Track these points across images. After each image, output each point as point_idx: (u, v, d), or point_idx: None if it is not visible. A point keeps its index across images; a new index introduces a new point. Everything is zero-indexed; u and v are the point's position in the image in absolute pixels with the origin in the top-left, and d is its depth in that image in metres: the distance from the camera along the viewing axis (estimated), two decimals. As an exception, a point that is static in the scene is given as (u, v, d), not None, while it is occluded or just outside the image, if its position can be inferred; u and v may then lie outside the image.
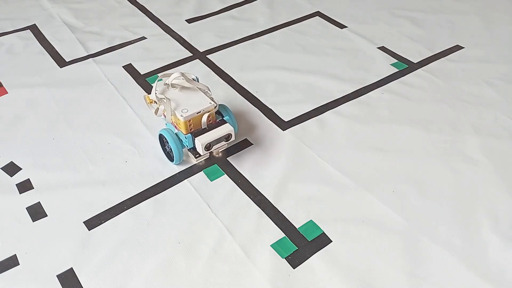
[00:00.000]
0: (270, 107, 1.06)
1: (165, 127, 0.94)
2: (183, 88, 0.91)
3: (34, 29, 1.36)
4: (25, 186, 0.89)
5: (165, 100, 0.87)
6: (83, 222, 0.82)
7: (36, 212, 0.84)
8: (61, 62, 1.23)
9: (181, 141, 0.89)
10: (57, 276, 0.74)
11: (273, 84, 1.13)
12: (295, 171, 0.90)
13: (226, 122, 0.89)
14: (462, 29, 1.31)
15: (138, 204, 0.85)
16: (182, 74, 0.91)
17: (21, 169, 0.92)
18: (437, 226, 0.80)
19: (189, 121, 0.86)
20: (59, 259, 0.76)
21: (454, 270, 0.73)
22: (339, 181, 0.88)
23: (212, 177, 0.89)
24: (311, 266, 0.74)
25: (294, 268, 0.74)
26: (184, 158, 0.92)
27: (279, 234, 0.79)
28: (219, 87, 1.12)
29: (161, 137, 0.92)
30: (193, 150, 0.90)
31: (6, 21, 1.40)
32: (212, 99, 0.89)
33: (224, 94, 1.10)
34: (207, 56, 1.23)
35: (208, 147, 0.86)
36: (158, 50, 1.26)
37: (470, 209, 0.83)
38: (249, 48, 1.26)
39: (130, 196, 0.86)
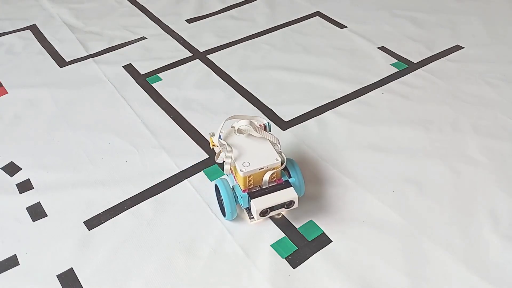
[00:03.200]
0: (270, 107, 1.06)
1: (223, 175, 0.86)
2: (251, 135, 0.81)
3: (34, 29, 1.36)
4: (25, 186, 0.89)
5: (227, 147, 0.78)
6: (83, 222, 0.82)
7: (36, 212, 0.84)
8: (61, 62, 1.23)
9: (236, 196, 0.78)
10: (57, 276, 0.74)
11: (273, 84, 1.13)
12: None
13: (291, 185, 0.77)
14: (462, 29, 1.31)
15: (138, 204, 0.85)
16: (251, 123, 0.80)
17: (21, 169, 0.92)
18: (437, 226, 0.80)
19: (249, 176, 0.76)
20: (59, 259, 0.76)
21: (454, 270, 0.73)
22: (339, 181, 0.88)
23: (212, 177, 0.89)
24: (311, 266, 0.74)
25: (294, 268, 0.74)
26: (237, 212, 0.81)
27: (279, 234, 0.79)
28: (219, 87, 1.12)
29: (216, 188, 0.81)
30: (248, 210, 0.79)
31: (6, 21, 1.40)
32: (280, 153, 0.78)
33: (224, 94, 1.10)
34: (207, 56, 1.23)
35: (264, 213, 0.75)
36: (158, 50, 1.26)
37: (470, 209, 0.83)
38: (249, 48, 1.26)
39: (130, 196, 0.86)
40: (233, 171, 0.79)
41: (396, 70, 1.16)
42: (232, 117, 0.82)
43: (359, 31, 1.31)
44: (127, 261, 0.76)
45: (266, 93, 1.10)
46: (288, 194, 0.76)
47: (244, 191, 0.76)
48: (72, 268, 0.75)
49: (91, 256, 0.76)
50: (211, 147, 0.84)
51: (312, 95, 1.09)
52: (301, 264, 0.75)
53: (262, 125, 0.82)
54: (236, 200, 0.78)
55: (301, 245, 0.77)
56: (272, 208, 0.75)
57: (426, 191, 0.86)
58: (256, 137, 0.80)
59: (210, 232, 0.79)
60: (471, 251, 0.76)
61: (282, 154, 0.78)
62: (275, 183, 0.77)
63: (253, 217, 0.78)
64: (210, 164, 0.92)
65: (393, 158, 0.93)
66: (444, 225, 0.80)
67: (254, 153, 0.77)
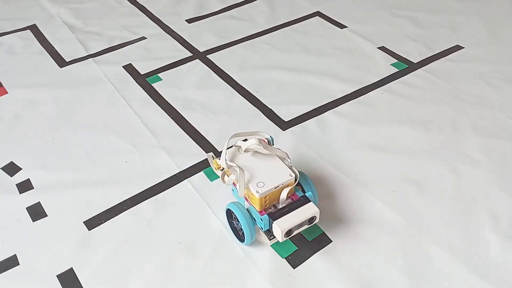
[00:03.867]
0: (270, 107, 1.06)
1: (233, 198, 0.81)
2: (257, 153, 0.77)
3: (34, 29, 1.36)
4: (25, 186, 0.89)
5: (237, 170, 0.74)
6: (83, 222, 0.82)
7: (36, 212, 0.84)
8: (61, 62, 1.23)
9: (253, 218, 0.75)
10: (57, 276, 0.74)
11: (273, 84, 1.13)
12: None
13: (309, 200, 0.74)
14: (462, 29, 1.31)
15: (138, 204, 0.85)
16: (260, 141, 0.76)
17: (21, 169, 0.92)
18: (437, 226, 0.80)
19: (266, 197, 0.72)
20: (59, 259, 0.76)
21: (454, 270, 0.73)
22: (339, 181, 0.88)
23: (212, 177, 0.89)
24: (311, 266, 0.74)
25: (294, 268, 0.74)
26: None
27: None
28: (219, 87, 1.12)
29: (229, 212, 0.77)
30: (268, 232, 0.75)
31: (6, 21, 1.40)
32: (291, 168, 0.75)
33: (224, 94, 1.10)
34: (207, 56, 1.23)
35: (289, 233, 0.71)
36: (158, 50, 1.26)
37: (470, 209, 0.83)
38: (249, 48, 1.26)
39: (130, 196, 0.86)
40: (246, 194, 0.75)
41: (396, 70, 1.16)
42: (234, 136, 0.79)
43: (359, 31, 1.31)
44: (127, 261, 0.76)
45: (266, 93, 1.10)
46: (310, 209, 0.72)
47: (260, 212, 0.73)
48: (72, 268, 0.75)
49: (91, 256, 0.76)
50: (215, 169, 0.81)
51: (312, 95, 1.09)
52: (301, 264, 0.75)
53: (265, 140, 0.79)
54: (253, 223, 0.75)
55: (301, 245, 0.77)
56: (296, 228, 0.72)
57: (426, 191, 0.86)
58: (263, 153, 0.77)
59: (210, 232, 0.79)
60: (471, 251, 0.76)
61: (293, 168, 0.75)
62: (291, 200, 0.74)
63: (273, 237, 0.75)
64: (210, 164, 0.92)
65: (393, 158, 0.93)
66: (444, 225, 0.80)
67: (266, 172, 0.74)
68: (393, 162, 0.92)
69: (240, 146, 0.78)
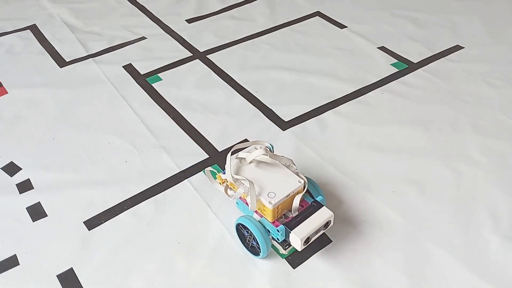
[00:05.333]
0: (270, 107, 1.06)
1: (239, 210, 0.80)
2: (261, 162, 0.76)
3: (34, 29, 1.36)
4: (25, 186, 0.89)
5: (245, 183, 0.72)
6: (83, 222, 0.82)
7: (36, 212, 0.84)
8: (61, 62, 1.23)
9: (267, 230, 0.72)
10: (57, 276, 0.74)
11: (273, 84, 1.13)
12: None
13: (322, 205, 0.72)
14: (462, 29, 1.31)
15: (138, 204, 0.85)
16: (266, 150, 0.75)
17: (21, 169, 0.92)
18: (437, 226, 0.80)
19: (278, 207, 0.71)
20: (59, 259, 0.76)
21: (454, 270, 0.73)
22: (339, 181, 0.88)
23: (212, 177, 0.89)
24: (311, 266, 0.74)
25: (294, 268, 0.74)
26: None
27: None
28: (219, 87, 1.12)
29: (240, 227, 0.75)
30: (283, 242, 0.73)
31: (6, 21, 1.40)
32: (298, 174, 0.74)
33: (224, 94, 1.10)
34: (207, 56, 1.23)
35: (307, 241, 0.70)
36: (158, 50, 1.26)
37: (470, 209, 0.83)
38: (249, 48, 1.26)
39: (130, 196, 0.86)
40: (258, 206, 0.73)
41: (396, 70, 1.16)
42: (235, 149, 0.78)
43: (359, 31, 1.31)
44: (127, 261, 0.76)
45: (266, 93, 1.10)
46: (324, 214, 0.71)
47: (273, 223, 0.71)
48: (72, 268, 0.75)
49: (91, 256, 0.76)
50: (211, 182, 0.80)
51: (312, 95, 1.09)
52: (301, 264, 0.75)
53: (266, 148, 0.77)
54: (268, 234, 0.73)
55: (301, 245, 0.77)
56: (313, 235, 0.71)
57: (426, 191, 0.86)
58: (267, 163, 0.75)
59: (210, 232, 0.79)
60: (471, 251, 0.76)
61: (300, 174, 0.74)
62: (301, 207, 0.73)
63: (288, 247, 0.73)
64: (210, 164, 0.92)
65: (393, 158, 0.93)
66: (444, 225, 0.80)
67: (274, 181, 0.72)
68: (393, 162, 0.92)
69: (244, 158, 0.76)
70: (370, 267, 0.74)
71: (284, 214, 0.73)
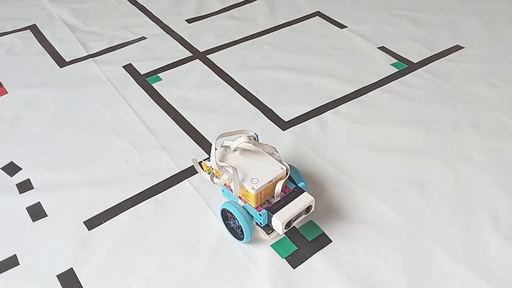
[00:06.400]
0: (270, 107, 1.06)
1: (223, 196, 0.82)
2: (245, 150, 0.78)
3: (34, 29, 1.36)
4: (25, 186, 0.89)
5: (229, 170, 0.74)
6: (83, 222, 0.82)
7: (36, 212, 0.84)
8: (61, 62, 1.23)
9: (250, 215, 0.75)
10: (57, 276, 0.74)
11: (273, 84, 1.13)
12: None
13: (303, 190, 0.75)
14: (462, 29, 1.31)
15: (138, 204, 0.85)
16: (250, 138, 0.77)
17: (21, 169, 0.92)
18: (437, 226, 0.80)
19: (261, 192, 0.73)
20: (59, 259, 0.76)
21: (454, 270, 0.73)
22: (339, 181, 0.88)
23: (212, 177, 0.89)
24: (311, 266, 0.74)
25: (294, 268, 0.74)
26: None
27: (279, 234, 0.79)
28: (219, 87, 1.12)
29: (224, 212, 0.77)
30: (266, 226, 0.77)
31: (6, 21, 1.40)
32: (280, 161, 0.77)
33: (224, 94, 1.10)
34: (207, 56, 1.23)
35: (288, 224, 0.73)
36: (158, 50, 1.26)
37: (470, 209, 0.83)
38: (249, 48, 1.26)
39: (130, 196, 0.86)
40: (241, 192, 0.75)
41: (396, 70, 1.16)
42: (220, 136, 0.80)
43: (359, 31, 1.31)
44: (127, 261, 0.76)
45: (266, 93, 1.10)
46: (305, 199, 0.74)
47: (257, 208, 0.74)
48: (72, 268, 0.75)
49: (91, 256, 0.76)
50: (199, 170, 0.81)
51: (312, 95, 1.09)
52: (301, 264, 0.75)
53: (251, 137, 0.80)
54: (251, 219, 0.75)
55: (301, 245, 0.77)
56: (294, 218, 0.73)
57: (426, 191, 0.86)
58: (251, 151, 0.78)
59: (210, 232, 0.79)
60: (471, 251, 0.76)
61: (283, 161, 0.77)
62: (284, 193, 0.76)
63: (271, 232, 0.76)
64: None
65: (393, 158, 0.93)
66: (444, 225, 0.80)
67: (257, 168, 0.75)
68: (393, 162, 0.92)
69: (229, 146, 0.78)
70: (370, 267, 0.74)
71: (267, 200, 0.75)
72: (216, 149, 0.78)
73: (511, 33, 1.30)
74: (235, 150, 0.78)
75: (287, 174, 0.76)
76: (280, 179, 0.75)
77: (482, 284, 0.71)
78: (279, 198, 0.75)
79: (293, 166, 0.80)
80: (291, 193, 0.75)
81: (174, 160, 0.93)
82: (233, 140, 0.79)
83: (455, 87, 1.11)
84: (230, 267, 0.74)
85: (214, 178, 0.79)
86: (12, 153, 0.96)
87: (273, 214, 0.72)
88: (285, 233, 0.78)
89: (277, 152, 0.78)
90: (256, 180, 0.73)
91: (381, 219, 0.81)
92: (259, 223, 0.75)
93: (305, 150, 0.95)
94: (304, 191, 0.75)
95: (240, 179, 0.74)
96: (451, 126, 1.00)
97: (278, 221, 0.71)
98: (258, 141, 0.80)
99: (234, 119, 1.03)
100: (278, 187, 0.74)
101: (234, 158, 0.77)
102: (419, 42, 1.26)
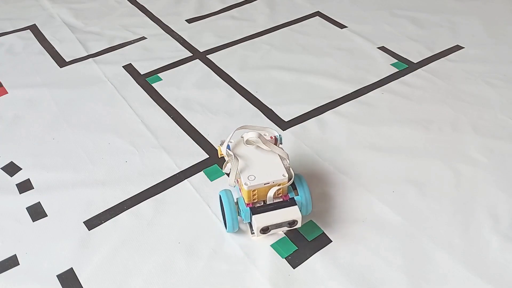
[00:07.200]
0: (270, 107, 1.06)
1: (228, 187, 0.81)
2: (259, 147, 0.78)
3: (34, 29, 1.36)
4: (25, 186, 0.89)
5: (231, 159, 0.75)
6: (83, 222, 0.82)
7: (36, 212, 0.84)
8: (61, 62, 1.23)
9: (240, 209, 0.76)
10: (57, 276, 0.74)
11: (273, 84, 1.13)
12: (294, 171, 0.90)
13: (295, 203, 0.74)
14: (462, 29, 1.31)
15: (138, 204, 0.85)
16: (260, 135, 0.77)
17: (21, 169, 0.92)
18: (437, 226, 0.80)
19: (254, 191, 0.73)
20: (59, 259, 0.76)
21: (454, 270, 0.73)
22: (339, 181, 0.88)
23: (212, 177, 0.89)
24: (311, 266, 0.74)
25: (294, 268, 0.74)
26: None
27: (279, 234, 0.79)
28: (219, 87, 1.12)
29: (220, 199, 0.79)
30: (250, 225, 0.77)
31: (6, 21, 1.40)
32: (288, 169, 0.75)
33: (224, 94, 1.10)
34: (207, 56, 1.23)
35: (265, 230, 0.73)
36: (158, 50, 1.26)
37: (470, 209, 0.83)
38: (249, 48, 1.26)
39: (130, 196, 0.86)
40: (239, 184, 0.76)
41: (396, 70, 1.16)
42: (242, 127, 0.80)
43: (359, 31, 1.31)
44: (127, 261, 0.76)
45: (266, 93, 1.10)
46: (292, 213, 0.73)
47: (247, 205, 0.74)
48: (72, 268, 0.75)
49: (91, 256, 0.76)
50: (219, 157, 0.82)
51: (312, 95, 1.09)
52: (301, 264, 0.75)
53: (273, 137, 0.79)
54: (239, 213, 0.76)
55: (301, 245, 0.77)
56: (273, 227, 0.73)
57: (426, 191, 0.86)
58: (265, 150, 0.77)
59: (210, 232, 0.79)
60: (471, 251, 0.76)
61: (291, 169, 0.75)
62: (281, 200, 0.75)
63: (254, 233, 0.75)
64: (210, 164, 0.92)
65: (393, 158, 0.93)
66: (444, 225, 0.80)
67: (261, 167, 0.75)
68: (393, 162, 0.92)
69: (244, 138, 0.79)
70: (370, 267, 0.74)
71: (264, 201, 0.75)
72: (231, 142, 0.79)
73: (511, 33, 1.30)
74: (249, 143, 0.78)
75: (289, 183, 0.74)
76: (278, 185, 0.73)
77: (482, 284, 0.71)
78: (271, 202, 0.74)
79: (302, 178, 0.78)
80: (284, 202, 0.74)
81: (174, 160, 0.93)
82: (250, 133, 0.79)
83: (455, 87, 1.10)
84: (230, 267, 0.74)
85: (228, 165, 0.79)
86: (12, 153, 0.96)
87: (253, 215, 0.73)
88: (285, 234, 0.78)
89: (288, 159, 0.77)
90: (253, 177, 0.73)
91: (381, 219, 0.81)
92: (242, 219, 0.75)
93: (305, 150, 0.95)
94: (295, 205, 0.73)
95: (239, 171, 0.74)
96: (451, 126, 1.00)
97: (255, 223, 0.72)
98: (281, 143, 0.80)
99: (234, 119, 1.03)
100: (271, 192, 0.73)
101: (246, 151, 0.77)
102: (419, 42, 1.26)
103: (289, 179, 0.74)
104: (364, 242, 0.77)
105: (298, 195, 0.77)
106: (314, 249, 0.77)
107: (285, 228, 0.74)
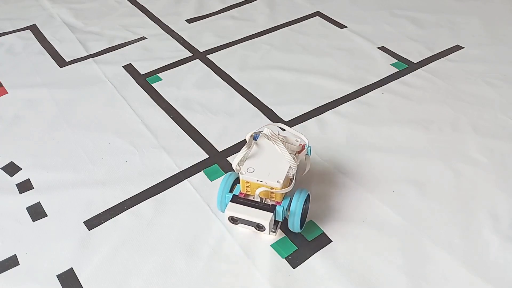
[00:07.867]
0: (270, 107, 1.06)
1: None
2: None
3: (34, 29, 1.36)
4: (25, 186, 0.89)
5: (247, 146, 0.77)
6: (83, 222, 0.82)
7: (36, 212, 0.84)
8: (61, 62, 1.23)
9: (230, 192, 0.77)
10: (57, 276, 0.74)
11: (273, 84, 1.13)
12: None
13: (272, 211, 0.73)
14: (462, 29, 1.31)
15: (138, 204, 0.85)
16: (271, 134, 0.77)
17: (21, 169, 0.92)
18: (437, 226, 0.80)
19: (248, 182, 0.74)
20: (59, 259, 0.76)
21: (454, 270, 0.73)
22: (339, 181, 0.88)
23: (212, 177, 0.89)
24: (311, 266, 0.74)
25: (294, 268, 0.74)
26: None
27: (279, 234, 0.79)
28: (219, 87, 1.12)
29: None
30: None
31: (6, 21, 1.40)
32: (290, 179, 0.75)
33: (224, 94, 1.10)
34: (207, 56, 1.23)
35: (234, 220, 0.74)
36: (158, 50, 1.26)
37: (470, 209, 0.83)
38: (249, 48, 1.26)
39: (130, 196, 0.86)
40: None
41: (396, 70, 1.16)
42: (275, 124, 0.84)
43: (359, 31, 1.31)
44: (127, 261, 0.76)
45: (266, 93, 1.10)
46: (262, 217, 0.72)
47: (241, 193, 0.76)
48: (72, 268, 0.75)
49: (91, 256, 0.76)
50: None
51: (312, 95, 1.09)
52: (301, 264, 0.75)
53: (302, 145, 0.78)
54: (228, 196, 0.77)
55: (301, 245, 0.77)
56: (242, 221, 0.73)
57: (426, 191, 0.86)
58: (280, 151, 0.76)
59: (210, 232, 0.79)
60: (471, 251, 0.76)
61: (294, 181, 0.74)
62: (269, 203, 0.74)
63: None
64: (210, 164, 0.92)
65: (393, 158, 0.93)
66: (444, 225, 0.80)
67: (266, 165, 0.75)
68: (393, 162, 0.92)
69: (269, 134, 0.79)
70: (370, 267, 0.74)
71: (251, 199, 0.75)
72: (254, 137, 0.80)
73: (511, 33, 1.30)
74: (268, 139, 0.78)
75: (281, 191, 0.73)
76: (268, 188, 0.73)
77: (482, 284, 0.71)
78: (256, 200, 0.74)
79: (305, 195, 0.76)
80: (265, 205, 0.74)
81: (174, 160, 0.93)
82: (275, 132, 0.78)
83: (455, 87, 1.11)
84: (230, 267, 0.74)
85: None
86: (12, 153, 0.96)
87: (229, 202, 0.75)
88: (285, 234, 0.78)
89: (295, 171, 0.75)
90: (252, 170, 0.74)
91: (381, 219, 0.81)
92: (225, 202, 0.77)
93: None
94: (271, 213, 0.72)
95: (243, 158, 0.76)
96: (451, 126, 1.00)
97: (227, 209, 0.74)
98: (308, 154, 0.80)
99: (234, 119, 1.03)
100: (258, 191, 0.73)
101: (265, 144, 0.79)
102: (419, 42, 1.26)
103: (282, 188, 0.73)
104: (364, 242, 0.77)
105: (290, 203, 0.75)
106: (314, 249, 0.77)
107: (253, 230, 0.74)
